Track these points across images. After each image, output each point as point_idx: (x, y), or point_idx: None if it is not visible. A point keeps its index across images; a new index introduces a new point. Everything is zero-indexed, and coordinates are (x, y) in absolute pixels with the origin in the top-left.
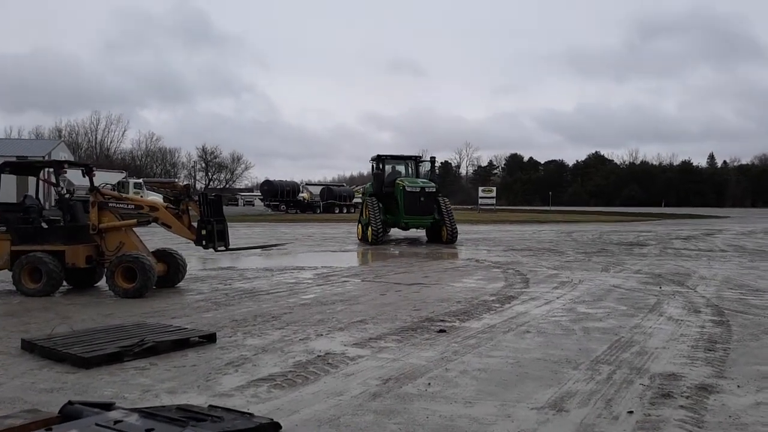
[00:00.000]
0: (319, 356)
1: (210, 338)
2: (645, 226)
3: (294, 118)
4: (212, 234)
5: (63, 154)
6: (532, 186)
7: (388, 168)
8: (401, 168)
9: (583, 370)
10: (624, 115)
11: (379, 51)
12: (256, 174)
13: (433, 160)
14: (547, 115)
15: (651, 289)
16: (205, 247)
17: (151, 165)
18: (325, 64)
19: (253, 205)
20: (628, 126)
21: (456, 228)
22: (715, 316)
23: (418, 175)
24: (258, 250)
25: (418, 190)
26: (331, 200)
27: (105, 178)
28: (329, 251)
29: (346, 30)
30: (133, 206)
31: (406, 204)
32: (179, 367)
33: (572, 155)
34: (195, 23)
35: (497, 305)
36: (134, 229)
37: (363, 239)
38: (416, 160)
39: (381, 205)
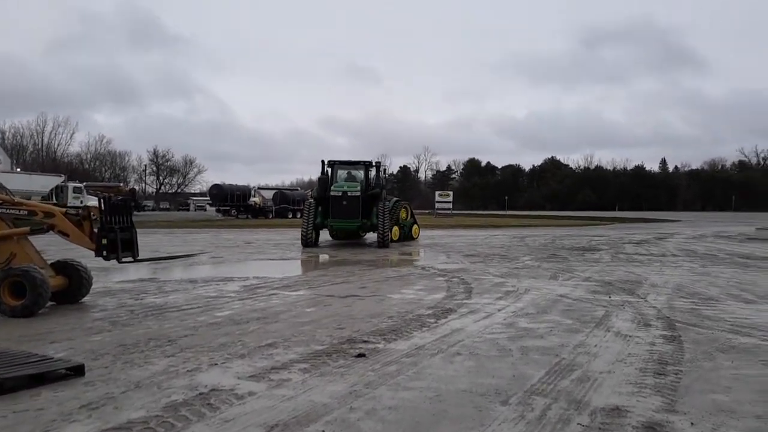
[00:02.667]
0: (200, 394)
1: (77, 371)
2: (598, 230)
3: (249, 121)
4: (115, 243)
5: None
6: (489, 190)
7: (342, 173)
8: (357, 173)
9: (513, 405)
10: (574, 121)
11: (335, 55)
12: (211, 178)
13: (377, 164)
14: (501, 121)
15: (600, 299)
16: (106, 258)
17: (100, 169)
18: (280, 67)
19: (205, 210)
20: (579, 132)
21: (387, 233)
22: (666, 330)
23: (368, 181)
24: (186, 260)
25: (340, 194)
26: (285, 205)
27: (42, 182)
28: (269, 259)
29: (301, 33)
30: (26, 212)
31: (332, 207)
32: (20, 411)
33: (529, 160)
34: (143, 23)
35: (431, 321)
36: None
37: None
38: (367, 165)
39: (320, 208)
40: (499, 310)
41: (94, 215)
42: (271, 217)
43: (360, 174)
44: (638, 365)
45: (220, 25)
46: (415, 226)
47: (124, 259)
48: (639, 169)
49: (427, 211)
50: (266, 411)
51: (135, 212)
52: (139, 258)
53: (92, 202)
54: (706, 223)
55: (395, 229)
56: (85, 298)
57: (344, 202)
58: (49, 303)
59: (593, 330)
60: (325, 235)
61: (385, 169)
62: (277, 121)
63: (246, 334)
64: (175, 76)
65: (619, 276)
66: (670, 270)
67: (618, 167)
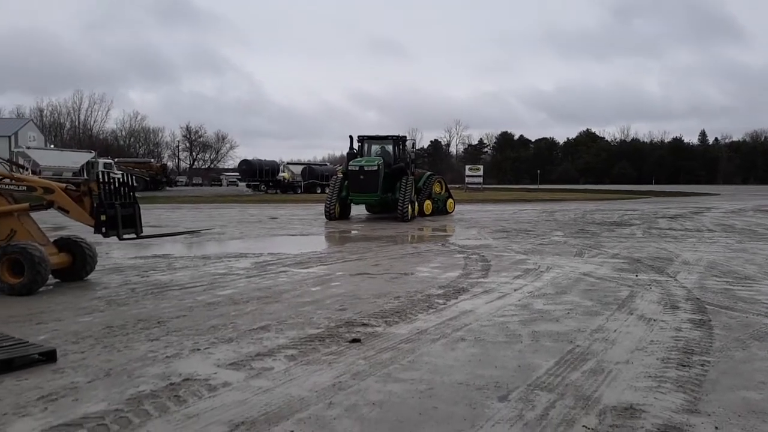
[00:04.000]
0: (171, 384)
1: (50, 356)
2: (632, 204)
3: (279, 97)
4: (115, 219)
5: (31, 134)
6: (522, 164)
7: (376, 148)
8: (389, 148)
9: (512, 402)
10: (607, 93)
11: (362, 30)
12: (243, 153)
13: (403, 139)
14: (531, 94)
15: (625, 278)
16: (106, 235)
17: (135, 145)
18: (306, 43)
19: (237, 185)
20: (612, 104)
21: (405, 207)
22: (695, 313)
23: (396, 156)
24: (203, 235)
25: (357, 168)
26: (313, 180)
27: (73, 158)
28: (288, 235)
29: (327, 8)
30: (25, 188)
31: (350, 182)
32: None
33: (561, 133)
34: (175, 2)
35: (440, 302)
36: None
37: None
38: (395, 140)
39: (346, 183)
40: (515, 290)
41: (95, 191)
42: (299, 192)
43: (390, 148)
44: (660, 354)
45: (247, 2)
46: (450, 200)
47: (125, 236)
48: (677, 142)
49: (457, 186)
50: (236, 406)
51: (167, 187)
52: (142, 234)
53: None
54: (747, 197)
55: (427, 203)
56: (92, 275)
57: (361, 177)
58: (54, 280)
59: (614, 313)
60: (361, 210)
61: (413, 143)
62: (307, 96)
63: (241, 316)
64: (205, 54)
65: (650, 252)
66: (704, 246)
67: (655, 140)
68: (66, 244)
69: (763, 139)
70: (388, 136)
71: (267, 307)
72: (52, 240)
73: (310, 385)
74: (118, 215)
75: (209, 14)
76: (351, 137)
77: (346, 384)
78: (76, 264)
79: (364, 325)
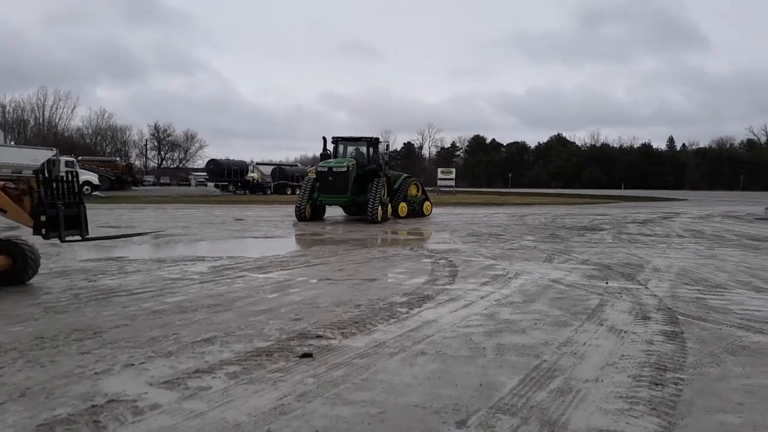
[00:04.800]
0: (92, 407)
1: None
2: (602, 208)
3: (251, 97)
4: (57, 220)
5: None
6: (494, 168)
7: (351, 150)
8: (363, 149)
9: (471, 429)
10: (576, 98)
11: (333, 31)
12: (213, 153)
13: (375, 140)
14: (502, 98)
15: (595, 286)
16: (46, 237)
17: (101, 143)
18: (277, 43)
19: (206, 185)
20: (581, 109)
21: (375, 209)
22: (667, 324)
23: (369, 157)
24: (161, 237)
25: (326, 170)
26: (283, 180)
27: (32, 155)
28: (252, 237)
29: (298, 8)
30: None
31: (320, 183)
32: None
33: (532, 137)
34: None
35: (403, 311)
36: None
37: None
38: (369, 141)
39: (318, 184)
40: (482, 298)
41: (35, 190)
42: (269, 193)
43: (363, 150)
44: (632, 371)
45: (217, 2)
46: (427, 203)
47: (67, 238)
48: (646, 147)
49: (430, 188)
50: None
51: (133, 187)
52: (87, 236)
53: (86, 176)
54: (714, 202)
55: (402, 205)
56: (35, 279)
57: (330, 178)
58: None
59: (584, 323)
60: (337, 211)
61: (387, 145)
62: (279, 97)
63: (186, 326)
64: (174, 52)
65: (620, 259)
66: (674, 252)
67: (624, 145)
68: (4, 246)
69: (728, 146)
70: (361, 137)
71: (216, 316)
72: None
73: (249, 408)
74: (60, 216)
75: (178, 13)
76: (324, 138)
77: (290, 407)
78: (16, 267)
79: (318, 337)
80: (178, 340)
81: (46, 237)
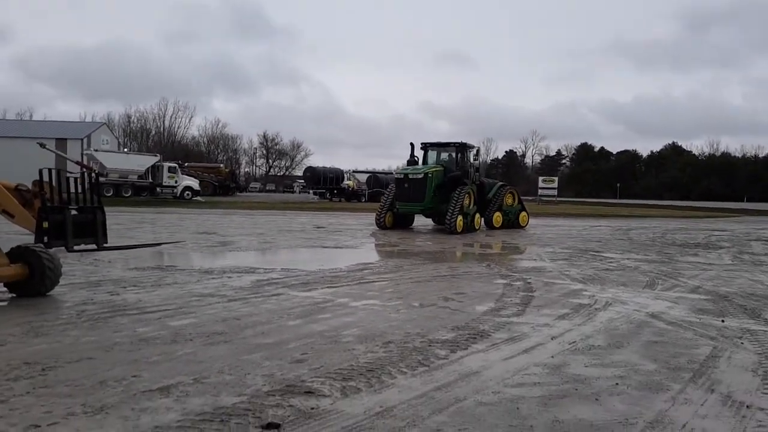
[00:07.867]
0: None
1: None
2: (721, 223)
3: (352, 108)
4: (64, 227)
5: (105, 137)
6: (602, 177)
7: (444, 156)
8: (451, 155)
9: None
10: (687, 106)
11: (427, 41)
12: (318, 161)
13: (464, 146)
14: (607, 106)
15: (707, 324)
16: (48, 246)
17: (215, 151)
18: (375, 54)
19: (309, 192)
20: (694, 116)
21: (452, 218)
22: None
23: (457, 163)
24: (176, 244)
25: (402, 177)
26: (378, 188)
27: (138, 161)
28: (321, 247)
29: (392, 20)
30: None
31: (396, 190)
32: None
33: (641, 146)
34: (248, 16)
35: (441, 353)
36: None
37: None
38: (458, 147)
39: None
40: (552, 338)
41: (45, 193)
42: (363, 200)
43: (452, 156)
44: None
45: (320, 17)
46: (524, 213)
47: (76, 247)
48: None
49: (530, 198)
50: None
51: (237, 193)
52: (104, 246)
53: (187, 182)
54: None
55: (497, 215)
56: (57, 290)
57: (406, 185)
58: (9, 295)
59: (686, 387)
60: (427, 220)
61: (477, 150)
62: (380, 107)
63: (159, 364)
64: (280, 65)
65: (741, 286)
66: None
67: (748, 154)
68: (22, 254)
69: None
70: (449, 143)
71: (206, 350)
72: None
73: None
74: (67, 222)
75: (284, 29)
76: (412, 144)
77: None
78: (34, 277)
79: (307, 393)
80: (128, 388)
81: (48, 246)
